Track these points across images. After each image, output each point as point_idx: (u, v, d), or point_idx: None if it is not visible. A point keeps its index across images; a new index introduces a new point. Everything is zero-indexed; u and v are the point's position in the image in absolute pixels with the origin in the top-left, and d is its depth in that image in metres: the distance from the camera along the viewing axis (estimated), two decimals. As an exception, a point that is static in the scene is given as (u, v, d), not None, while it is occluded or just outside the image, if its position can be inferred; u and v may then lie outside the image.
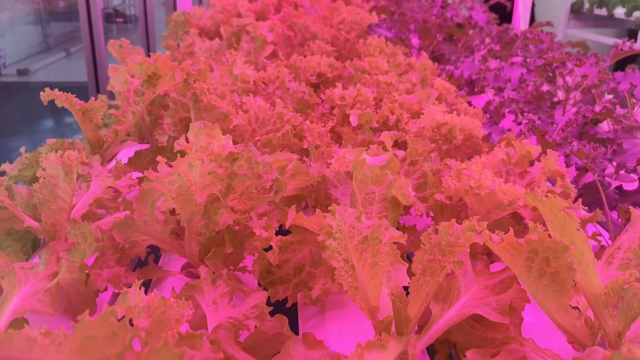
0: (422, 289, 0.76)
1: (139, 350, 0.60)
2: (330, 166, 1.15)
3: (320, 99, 1.62)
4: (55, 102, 1.38)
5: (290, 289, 1.01)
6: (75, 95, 1.40)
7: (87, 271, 0.96)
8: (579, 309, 0.91)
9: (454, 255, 0.72)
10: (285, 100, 1.56)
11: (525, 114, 1.57)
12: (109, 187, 1.23)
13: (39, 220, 1.16)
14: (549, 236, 0.75)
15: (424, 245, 0.77)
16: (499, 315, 0.91)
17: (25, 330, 0.63)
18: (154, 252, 1.15)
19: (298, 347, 0.82)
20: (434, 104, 1.49)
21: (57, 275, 0.94)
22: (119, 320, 0.59)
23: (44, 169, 1.05)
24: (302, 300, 1.03)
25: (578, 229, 0.78)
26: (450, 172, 1.13)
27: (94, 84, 4.08)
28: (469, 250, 1.02)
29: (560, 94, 2.00)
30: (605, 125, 1.89)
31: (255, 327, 0.90)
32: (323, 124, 1.39)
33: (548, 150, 1.18)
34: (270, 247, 1.01)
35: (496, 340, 0.93)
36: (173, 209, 1.07)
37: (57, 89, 1.39)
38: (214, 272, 0.93)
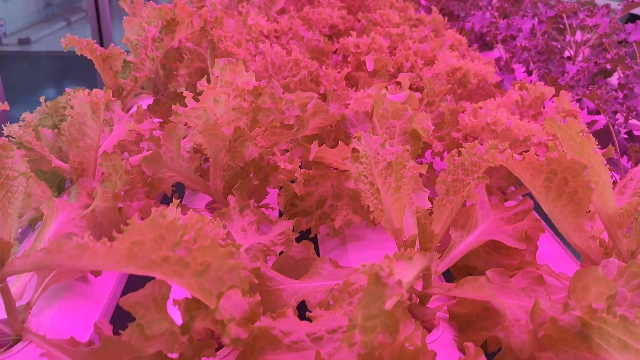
0: (446, 207, 0.80)
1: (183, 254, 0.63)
2: (348, 107, 1.17)
3: (334, 49, 1.64)
4: (75, 50, 1.40)
5: (313, 221, 1.04)
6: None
7: (120, 204, 0.99)
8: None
9: (477, 172, 0.75)
10: (300, 49, 1.58)
11: (536, 63, 1.59)
12: (132, 130, 1.26)
13: (65, 161, 1.20)
14: (568, 157, 0.78)
15: (448, 166, 0.81)
16: (516, 242, 0.95)
17: (75, 239, 0.67)
18: (179, 191, 1.19)
19: (326, 265, 0.86)
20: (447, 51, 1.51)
21: (91, 205, 0.98)
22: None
23: (72, 107, 1.08)
24: (325, 232, 1.07)
25: (595, 151, 0.81)
26: (466, 112, 1.16)
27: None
28: (485, 185, 1.06)
29: (570, 52, 2.01)
30: (615, 79, 1.91)
31: (282, 252, 0.94)
32: (338, 71, 1.42)
33: (561, 92, 1.20)
34: (294, 182, 1.04)
35: (512, 266, 0.97)
36: (198, 146, 1.11)
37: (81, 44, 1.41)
38: (242, 202, 0.97)
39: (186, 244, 0.59)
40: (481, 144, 1.16)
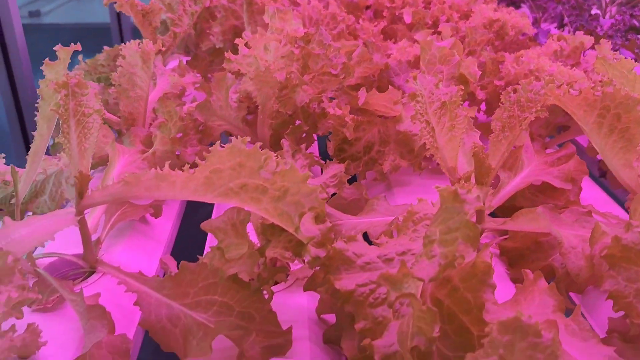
0: (502, 143, 0.82)
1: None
2: (390, 57, 1.19)
3: (367, 5, 1.64)
4: (115, 6, 1.42)
5: (360, 166, 1.07)
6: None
7: (177, 152, 1.03)
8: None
9: (535, 106, 0.77)
10: (337, 3, 1.59)
11: (570, 17, 1.59)
12: (175, 83, 1.29)
13: (112, 113, 1.23)
14: (621, 93, 0.79)
15: (503, 104, 0.83)
16: (562, 182, 0.98)
17: (152, 170, 0.70)
18: (224, 142, 1.22)
19: (382, 202, 0.89)
20: (481, 6, 1.51)
21: (147, 151, 1.01)
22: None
23: (123, 57, 1.10)
24: (371, 177, 1.10)
25: (648, 88, 0.83)
26: (508, 60, 1.17)
27: (116, 22, 4.06)
28: (529, 130, 1.09)
29: (597, 11, 2.00)
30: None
31: (334, 194, 0.97)
32: (375, 25, 1.43)
33: (601, 40, 1.21)
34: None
35: (558, 207, 1.00)
36: (244, 97, 1.13)
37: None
38: (293, 146, 1.00)
39: (268, 167, 0.62)
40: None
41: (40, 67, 0.78)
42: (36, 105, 0.78)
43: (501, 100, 0.83)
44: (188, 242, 1.16)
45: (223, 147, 0.65)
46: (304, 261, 0.79)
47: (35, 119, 0.79)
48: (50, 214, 0.77)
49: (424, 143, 1.03)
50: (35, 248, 0.90)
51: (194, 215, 1.19)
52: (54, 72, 0.76)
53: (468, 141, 0.92)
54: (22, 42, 2.12)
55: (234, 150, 0.64)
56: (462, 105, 0.86)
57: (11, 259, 0.61)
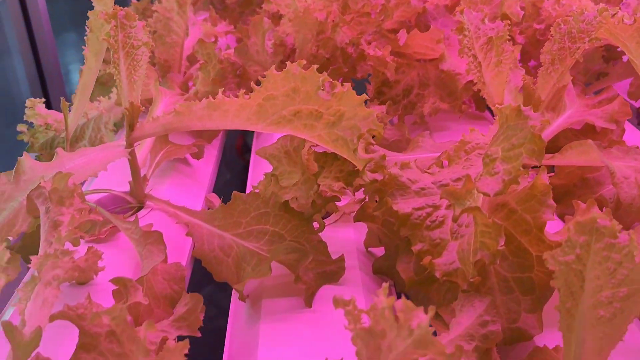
0: (551, 76, 0.81)
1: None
2: (427, 1, 1.17)
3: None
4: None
5: (399, 110, 1.07)
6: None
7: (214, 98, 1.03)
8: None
9: (588, 35, 0.76)
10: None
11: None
12: (208, 32, 1.28)
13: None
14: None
15: (553, 36, 0.81)
16: (606, 122, 0.97)
17: (204, 100, 0.71)
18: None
19: (427, 139, 0.88)
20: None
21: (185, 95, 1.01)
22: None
23: (159, 2, 1.10)
24: (412, 120, 1.09)
25: (703, 18, 0.81)
26: (548, 2, 1.15)
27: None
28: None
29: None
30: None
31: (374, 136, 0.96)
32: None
33: (643, -16, 1.18)
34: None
35: (602, 147, 0.99)
36: (278, 45, 1.12)
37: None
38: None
39: (327, 88, 0.62)
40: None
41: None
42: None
43: (551, 33, 0.81)
44: (226, 189, 1.17)
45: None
46: (353, 193, 0.79)
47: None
48: (101, 146, 0.77)
49: (466, 83, 1.03)
50: (83, 183, 0.91)
51: (232, 163, 1.20)
52: (102, 3, 0.76)
53: (513, 79, 0.91)
54: (44, 11, 2.11)
55: (289, 74, 0.64)
56: (508, 41, 0.85)
57: (72, 182, 0.62)
